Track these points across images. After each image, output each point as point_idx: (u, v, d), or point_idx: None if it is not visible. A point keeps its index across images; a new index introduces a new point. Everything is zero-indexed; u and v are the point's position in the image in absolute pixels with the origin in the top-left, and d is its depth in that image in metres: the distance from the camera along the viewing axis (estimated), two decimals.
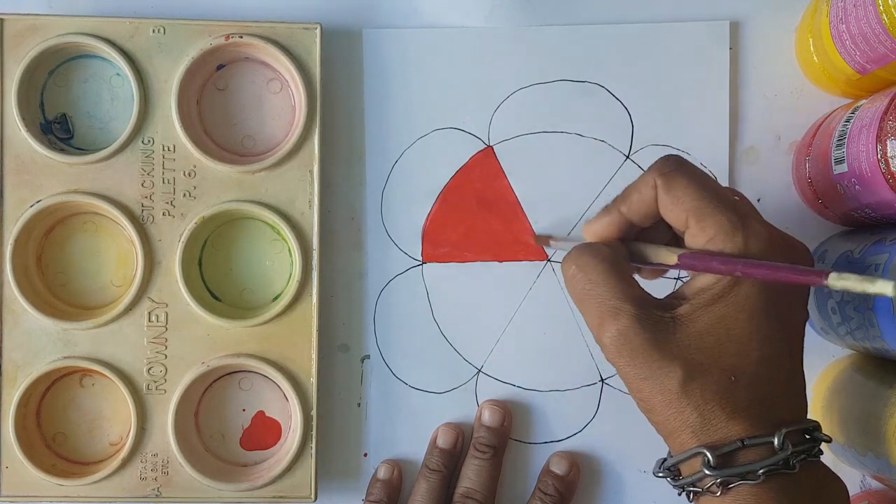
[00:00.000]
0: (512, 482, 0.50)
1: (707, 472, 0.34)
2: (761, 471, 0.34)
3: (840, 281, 0.31)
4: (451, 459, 0.49)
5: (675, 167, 0.37)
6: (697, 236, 0.36)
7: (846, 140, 0.42)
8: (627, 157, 0.50)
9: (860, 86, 0.46)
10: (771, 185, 0.50)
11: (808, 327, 0.50)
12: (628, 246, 0.39)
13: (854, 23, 0.41)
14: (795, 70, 0.50)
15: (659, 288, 0.40)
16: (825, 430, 0.47)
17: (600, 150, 0.50)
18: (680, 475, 0.36)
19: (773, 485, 0.34)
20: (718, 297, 0.35)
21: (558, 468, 0.49)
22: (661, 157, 0.38)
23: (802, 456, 0.34)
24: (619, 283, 0.36)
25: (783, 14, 0.50)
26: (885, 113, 0.38)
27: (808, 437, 0.35)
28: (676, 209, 0.36)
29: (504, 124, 0.50)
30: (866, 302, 0.41)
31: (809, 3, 0.49)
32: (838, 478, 0.36)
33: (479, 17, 0.50)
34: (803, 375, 0.37)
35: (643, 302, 0.36)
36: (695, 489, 0.35)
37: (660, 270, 0.42)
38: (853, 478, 0.49)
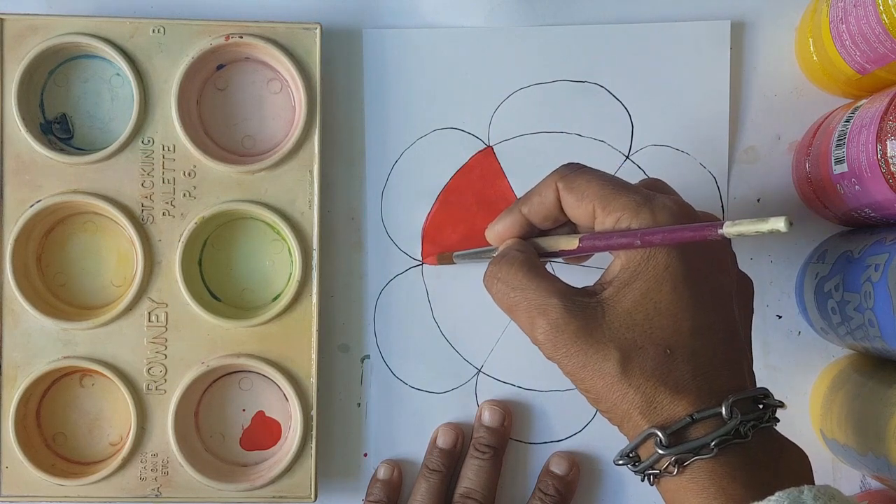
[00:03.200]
0: (512, 482, 0.50)
1: (661, 451, 0.34)
2: (713, 443, 0.34)
3: (734, 227, 0.31)
4: (451, 459, 0.49)
5: (575, 169, 0.38)
6: (605, 221, 0.37)
7: (846, 140, 0.42)
8: (627, 157, 0.50)
9: (860, 86, 0.46)
10: (771, 185, 0.50)
11: (807, 327, 0.50)
12: (531, 242, 0.40)
13: (854, 23, 0.41)
14: (795, 70, 0.50)
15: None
16: (825, 430, 0.47)
17: (600, 150, 0.50)
18: (640, 461, 0.36)
19: (727, 457, 0.34)
20: (637, 274, 0.35)
21: (558, 468, 0.49)
22: (561, 165, 0.39)
23: (752, 423, 0.34)
24: (541, 282, 0.37)
25: (783, 14, 0.50)
26: (885, 113, 0.38)
27: (760, 406, 0.35)
28: (582, 203, 0.37)
29: (504, 124, 0.50)
30: (866, 301, 0.41)
31: (809, 3, 0.49)
32: (795, 445, 0.36)
33: (479, 17, 0.50)
34: (746, 343, 0.37)
35: (568, 293, 0.36)
36: (654, 472, 0.35)
37: (581, 257, 0.43)
38: (853, 478, 0.49)
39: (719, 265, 0.37)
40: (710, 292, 0.36)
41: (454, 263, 0.48)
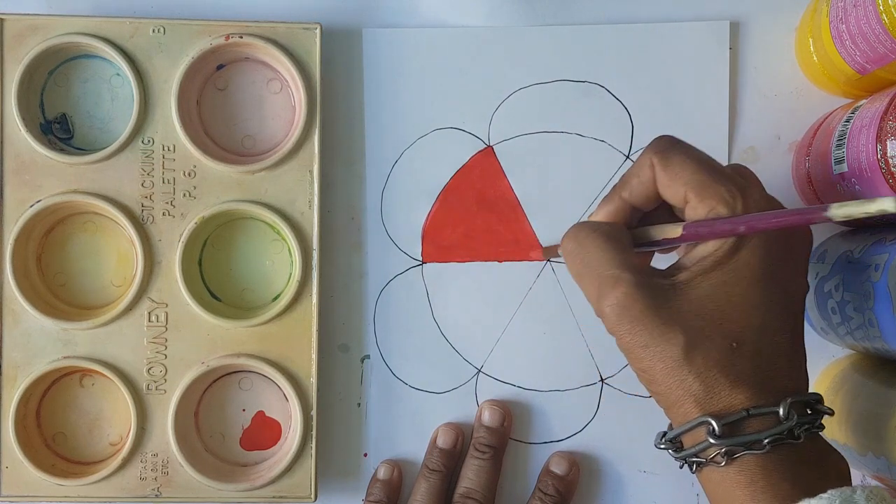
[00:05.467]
0: (512, 482, 0.50)
1: (712, 441, 0.34)
2: (767, 440, 0.34)
3: (841, 209, 0.31)
4: (451, 459, 0.49)
5: (670, 145, 0.37)
6: (698, 209, 0.36)
7: (846, 140, 0.42)
8: (627, 157, 0.50)
9: (860, 86, 0.46)
10: (771, 185, 0.49)
11: (807, 327, 0.50)
12: (633, 232, 0.39)
13: (854, 23, 0.41)
14: (795, 70, 0.50)
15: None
16: (825, 429, 0.47)
17: (600, 150, 0.50)
18: (682, 447, 0.36)
19: (777, 455, 0.34)
20: (718, 264, 0.35)
21: (558, 468, 0.49)
22: (656, 138, 0.38)
23: (806, 426, 0.34)
24: (616, 254, 0.36)
25: (783, 14, 0.50)
26: (885, 113, 0.38)
27: (809, 410, 0.35)
28: (675, 185, 0.36)
29: (504, 124, 0.50)
30: (866, 301, 0.41)
31: (809, 3, 0.49)
32: (837, 451, 0.36)
33: (479, 17, 0.50)
34: (804, 349, 0.37)
35: (642, 270, 0.36)
36: (698, 460, 0.35)
37: (674, 247, 0.42)
38: (853, 478, 0.49)
39: (798, 268, 0.37)
40: (785, 293, 0.36)
41: (559, 257, 0.47)
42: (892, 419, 0.41)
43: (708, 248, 0.36)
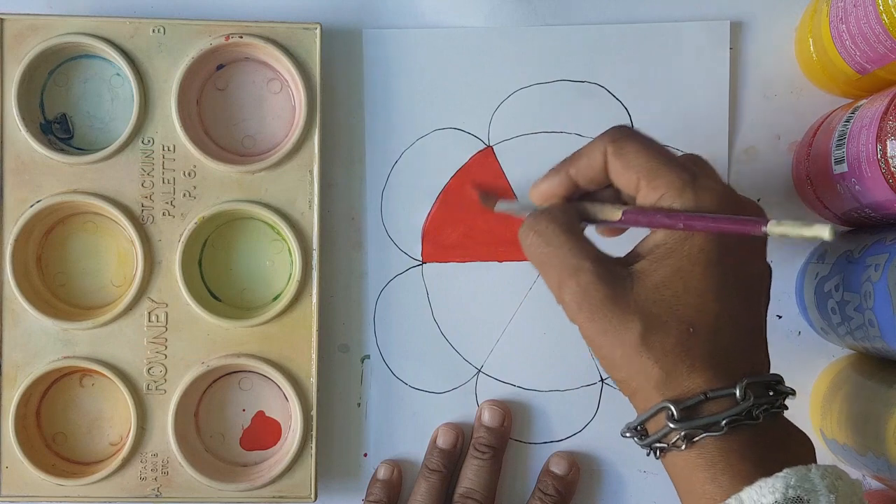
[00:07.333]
0: (512, 482, 0.50)
1: (671, 425, 0.35)
2: (724, 422, 0.34)
3: (778, 227, 0.31)
4: (450, 459, 0.49)
5: (625, 134, 0.38)
6: (649, 196, 0.37)
7: (846, 140, 0.42)
8: None
9: (860, 86, 0.46)
10: (771, 185, 0.50)
11: (807, 327, 0.50)
12: (574, 205, 0.40)
13: (854, 23, 0.41)
14: (795, 70, 0.50)
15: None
16: (825, 430, 0.47)
17: None
18: (647, 434, 0.36)
19: (736, 436, 0.34)
20: (672, 251, 0.36)
21: (558, 468, 0.49)
22: (612, 127, 0.39)
23: (765, 407, 0.35)
24: (576, 244, 0.37)
25: (783, 14, 0.50)
26: (885, 113, 0.38)
27: (771, 392, 0.36)
28: (628, 172, 0.37)
29: (504, 124, 0.50)
30: (866, 301, 0.41)
31: (809, 3, 0.49)
32: (801, 430, 0.36)
33: (479, 17, 0.50)
34: (764, 332, 0.38)
35: (601, 259, 0.37)
36: (661, 445, 0.36)
37: (617, 229, 0.43)
38: (853, 478, 0.49)
39: (755, 253, 0.38)
40: (742, 278, 0.36)
41: (492, 210, 0.47)
42: (892, 419, 0.40)
43: (662, 236, 0.36)
